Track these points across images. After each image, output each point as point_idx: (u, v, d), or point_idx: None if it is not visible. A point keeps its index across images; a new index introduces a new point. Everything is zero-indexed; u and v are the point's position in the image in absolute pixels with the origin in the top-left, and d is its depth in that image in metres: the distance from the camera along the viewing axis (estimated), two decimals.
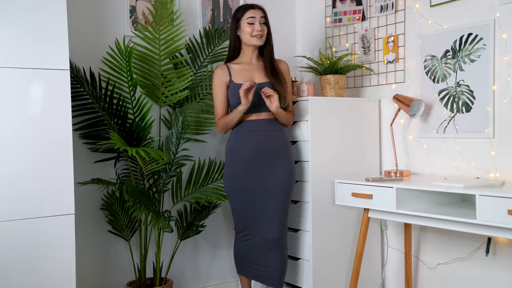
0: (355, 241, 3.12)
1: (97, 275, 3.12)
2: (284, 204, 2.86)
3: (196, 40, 3.34)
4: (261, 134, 2.85)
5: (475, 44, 2.74)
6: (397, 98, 2.99)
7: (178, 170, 3.15)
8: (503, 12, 2.62)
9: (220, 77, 2.89)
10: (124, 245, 3.19)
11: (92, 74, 3.02)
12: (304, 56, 3.40)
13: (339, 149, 3.09)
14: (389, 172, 2.95)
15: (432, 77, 2.97)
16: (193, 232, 3.20)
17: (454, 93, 2.86)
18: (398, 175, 2.91)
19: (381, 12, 3.22)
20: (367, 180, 2.70)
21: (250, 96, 2.74)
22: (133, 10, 3.19)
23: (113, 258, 3.18)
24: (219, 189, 3.10)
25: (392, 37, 3.17)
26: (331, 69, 3.15)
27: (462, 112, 2.82)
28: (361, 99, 3.28)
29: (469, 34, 2.76)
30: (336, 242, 3.08)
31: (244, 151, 2.85)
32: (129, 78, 2.95)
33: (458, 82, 2.83)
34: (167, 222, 2.77)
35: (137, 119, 2.98)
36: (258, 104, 2.81)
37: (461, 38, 2.81)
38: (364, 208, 2.79)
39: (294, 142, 3.07)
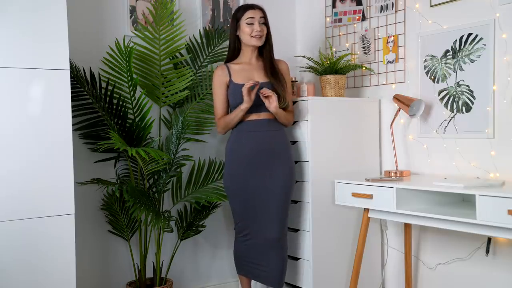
0: (355, 241, 3.12)
1: (97, 275, 3.13)
2: (284, 204, 2.86)
3: (196, 40, 3.34)
4: (261, 134, 2.85)
5: (475, 44, 2.74)
6: (397, 98, 2.99)
7: (178, 170, 3.15)
8: (503, 12, 2.62)
9: (220, 77, 2.89)
10: (124, 245, 3.19)
11: (92, 74, 3.02)
12: (304, 56, 3.40)
13: (339, 149, 3.09)
14: (389, 172, 2.95)
15: (432, 77, 2.97)
16: (193, 232, 3.20)
17: (454, 93, 2.86)
18: (398, 175, 2.91)
19: (381, 12, 3.22)
20: (367, 180, 2.70)
21: (253, 95, 2.74)
22: (133, 10, 3.19)
23: (113, 258, 3.18)
24: (219, 189, 3.10)
25: (392, 37, 3.17)
26: (331, 69, 3.15)
27: (462, 112, 2.82)
28: (361, 99, 3.28)
29: (469, 34, 2.76)
30: (336, 242, 3.08)
31: (244, 151, 2.85)
32: (129, 78, 2.95)
33: (458, 82, 2.83)
34: (167, 222, 2.77)
35: (137, 119, 2.98)
36: (258, 104, 2.81)
37: (461, 38, 2.81)
38: (364, 208, 2.79)
39: (294, 142, 3.07)
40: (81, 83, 2.88)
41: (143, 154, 2.65)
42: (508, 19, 2.60)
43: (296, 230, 3.10)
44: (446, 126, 2.90)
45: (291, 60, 3.48)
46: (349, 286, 2.88)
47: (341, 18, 3.46)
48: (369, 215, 2.78)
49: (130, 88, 2.98)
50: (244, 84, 2.77)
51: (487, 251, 2.66)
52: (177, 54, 3.23)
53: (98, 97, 2.93)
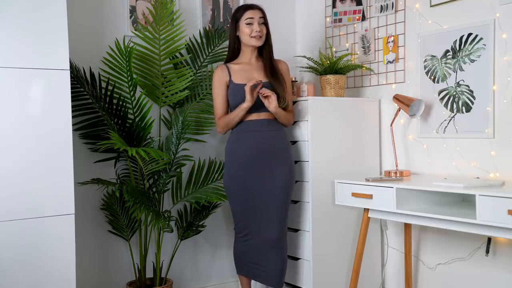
0: (355, 241, 3.12)
1: (97, 275, 3.12)
2: (284, 204, 2.86)
3: (196, 40, 3.34)
4: (260, 134, 2.85)
5: (475, 44, 2.74)
6: (397, 98, 2.99)
7: (178, 170, 3.15)
8: (503, 12, 2.62)
9: (220, 77, 2.89)
10: (124, 245, 3.19)
11: (92, 74, 3.02)
12: (304, 56, 3.40)
13: (339, 149, 3.09)
14: (389, 172, 2.95)
15: (432, 77, 2.97)
16: (193, 232, 3.20)
17: (454, 93, 2.86)
18: (398, 175, 2.91)
19: (381, 12, 3.22)
20: (367, 180, 2.70)
21: (255, 94, 2.75)
22: (133, 10, 3.19)
23: (113, 258, 3.18)
24: (219, 189, 3.10)
25: (392, 37, 3.16)
26: (331, 69, 3.15)
27: (462, 112, 2.82)
28: (361, 99, 3.28)
29: (469, 34, 2.76)
30: (336, 242, 3.08)
31: (244, 152, 2.85)
32: (129, 78, 2.95)
33: (458, 82, 2.83)
34: (167, 222, 2.77)
35: (137, 119, 2.98)
36: (258, 104, 2.81)
37: (461, 38, 2.81)
38: (364, 208, 2.79)
39: (294, 142, 3.07)
40: (81, 83, 2.88)
41: (143, 154, 2.65)
42: (508, 19, 2.60)
43: (296, 230, 3.10)
44: (446, 126, 2.90)
45: (291, 60, 3.48)
46: (349, 286, 2.88)
47: (341, 18, 3.46)
48: (369, 215, 2.78)
49: (130, 88, 2.98)
50: (244, 84, 2.78)
51: (487, 251, 2.66)
52: (177, 54, 3.23)
53: (98, 97, 2.93)
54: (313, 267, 3.00)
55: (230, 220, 3.36)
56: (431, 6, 2.95)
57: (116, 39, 3.00)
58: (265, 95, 2.75)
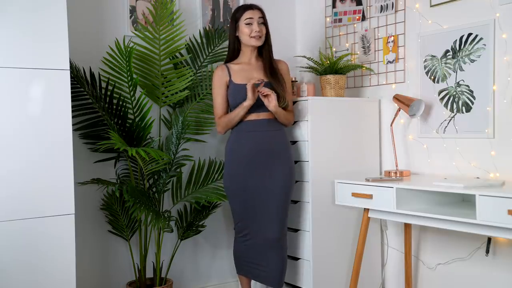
0: (355, 241, 3.12)
1: (97, 275, 3.12)
2: (284, 204, 2.86)
3: (196, 40, 3.34)
4: (260, 134, 2.85)
5: (475, 44, 2.74)
6: (397, 98, 2.99)
7: (178, 170, 3.15)
8: (503, 12, 2.62)
9: (220, 77, 2.89)
10: (124, 245, 3.19)
11: (92, 74, 3.02)
12: (304, 56, 3.40)
13: (339, 149, 3.09)
14: (389, 172, 2.95)
15: (432, 77, 2.97)
16: (193, 232, 3.20)
17: (454, 93, 2.86)
18: (398, 175, 2.91)
19: (381, 12, 3.22)
20: (367, 180, 2.70)
21: (256, 93, 2.75)
22: (133, 10, 3.19)
23: (113, 258, 3.18)
24: (219, 189, 3.10)
25: (392, 37, 3.16)
26: (331, 69, 3.15)
27: (462, 112, 2.82)
28: (361, 99, 3.28)
29: (469, 34, 2.76)
30: (336, 242, 3.08)
31: (244, 152, 2.85)
32: (129, 78, 2.95)
33: (458, 82, 2.83)
34: (167, 222, 2.77)
35: (137, 119, 2.98)
36: (258, 104, 2.81)
37: (461, 38, 2.81)
38: (364, 208, 2.79)
39: (294, 142, 3.07)
40: (81, 83, 2.88)
41: (143, 154, 2.65)
42: (508, 19, 2.60)
43: (296, 230, 3.10)
44: (446, 126, 2.90)
45: (291, 60, 3.48)
46: (349, 286, 2.88)
47: (341, 18, 3.46)
48: (369, 215, 2.78)
49: (130, 88, 2.98)
50: (244, 84, 2.78)
51: (487, 251, 2.66)
52: (177, 54, 3.23)
53: (98, 97, 2.93)
54: (313, 267, 3.00)
55: (230, 220, 3.36)
56: (431, 6, 2.95)
57: (116, 39, 3.00)
58: (264, 93, 2.75)
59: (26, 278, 2.39)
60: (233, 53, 2.95)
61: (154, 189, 3.08)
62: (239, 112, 2.80)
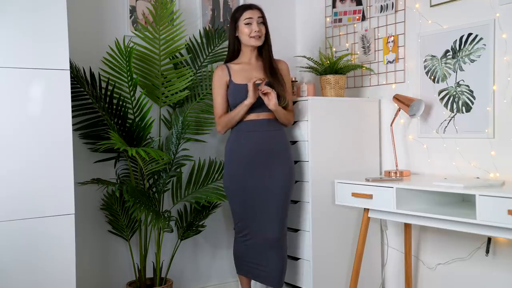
0: (355, 241, 3.12)
1: (97, 275, 3.12)
2: (283, 204, 2.86)
3: (196, 40, 3.34)
4: (260, 134, 2.85)
5: (475, 44, 2.74)
6: (397, 98, 2.99)
7: (178, 170, 3.15)
8: (503, 12, 2.62)
9: (220, 77, 2.89)
10: (124, 245, 3.19)
11: (92, 74, 3.02)
12: (304, 56, 3.40)
13: (339, 149, 3.09)
14: (389, 172, 2.95)
15: (432, 77, 2.97)
16: (193, 232, 3.20)
17: (454, 93, 2.86)
18: (398, 175, 2.91)
19: (381, 12, 3.22)
20: (367, 180, 2.70)
21: (257, 92, 2.75)
22: (133, 10, 3.19)
23: (113, 258, 3.18)
24: (219, 189, 3.10)
25: (392, 37, 3.16)
26: (331, 69, 3.15)
27: (462, 112, 2.82)
28: (361, 99, 3.28)
29: (469, 34, 2.76)
30: (336, 242, 3.08)
31: (243, 152, 2.85)
32: (129, 78, 2.95)
33: (458, 82, 2.83)
34: (167, 222, 2.77)
35: (137, 119, 2.98)
36: (258, 104, 2.81)
37: (461, 38, 2.81)
38: (364, 208, 2.79)
39: (294, 142, 3.07)
40: (81, 83, 2.88)
41: (143, 154, 2.65)
42: (508, 19, 2.60)
43: (296, 230, 3.10)
44: (446, 126, 2.90)
45: (291, 60, 3.48)
46: (349, 286, 2.88)
47: (341, 18, 3.46)
48: (369, 215, 2.78)
49: (130, 88, 2.98)
50: (244, 84, 2.79)
51: (487, 251, 2.66)
52: (177, 54, 3.23)
53: (98, 97, 2.93)
54: (313, 267, 3.00)
55: (230, 220, 3.36)
56: (431, 6, 2.95)
57: (116, 39, 3.00)
58: (264, 91, 2.75)
59: (26, 278, 2.39)
60: (233, 53, 2.95)
61: (154, 189, 3.08)
62: (239, 110, 2.80)
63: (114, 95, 2.99)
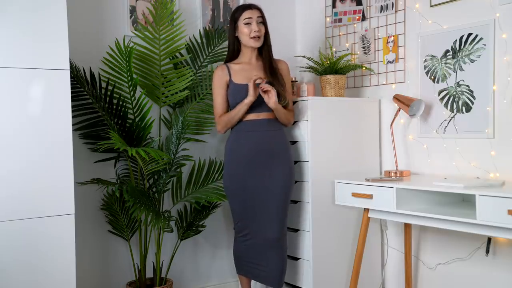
0: (355, 241, 3.12)
1: (97, 275, 3.12)
2: (283, 204, 2.86)
3: (196, 40, 3.34)
4: (260, 134, 2.85)
5: (475, 44, 2.74)
6: (397, 98, 2.99)
7: (178, 170, 3.15)
8: (503, 12, 2.62)
9: (220, 77, 2.89)
10: (124, 245, 3.19)
11: (92, 74, 3.02)
12: (304, 56, 3.40)
13: (339, 149, 3.09)
14: (389, 172, 2.95)
15: (432, 77, 2.97)
16: (193, 232, 3.20)
17: (454, 93, 2.86)
18: (398, 175, 2.91)
19: (381, 12, 3.22)
20: (367, 180, 2.70)
21: (258, 90, 2.75)
22: (133, 10, 3.19)
23: (113, 258, 3.18)
24: (219, 189, 3.10)
25: (392, 37, 3.16)
26: (331, 69, 3.15)
27: (462, 112, 2.82)
28: (361, 99, 3.28)
29: (469, 34, 2.76)
30: (336, 242, 3.08)
31: (243, 151, 2.85)
32: (129, 78, 2.95)
33: (458, 82, 2.83)
34: (167, 222, 2.77)
35: (137, 119, 2.98)
36: (258, 104, 2.81)
37: (461, 38, 2.81)
38: (364, 208, 2.79)
39: (294, 142, 3.07)
40: (81, 83, 2.88)
41: (143, 154, 2.65)
42: (508, 19, 2.60)
43: (296, 230, 3.10)
44: (446, 126, 2.90)
45: (291, 60, 3.48)
46: (349, 286, 2.88)
47: (341, 18, 3.46)
48: (369, 215, 2.78)
49: (130, 88, 2.98)
50: (244, 84, 2.79)
51: (487, 251, 2.66)
52: (177, 54, 3.23)
53: (98, 97, 2.93)
54: (313, 267, 3.00)
55: (230, 220, 3.36)
56: (431, 6, 2.95)
57: (116, 39, 3.00)
58: (264, 89, 2.75)
59: (26, 278, 2.39)
60: (233, 53, 2.95)
61: (154, 189, 3.08)
62: (240, 109, 2.80)
63: (114, 95, 2.99)
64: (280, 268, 2.86)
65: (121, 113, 2.98)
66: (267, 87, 2.75)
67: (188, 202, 3.13)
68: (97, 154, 3.07)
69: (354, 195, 2.74)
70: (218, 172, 3.26)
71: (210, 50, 3.33)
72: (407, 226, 3.02)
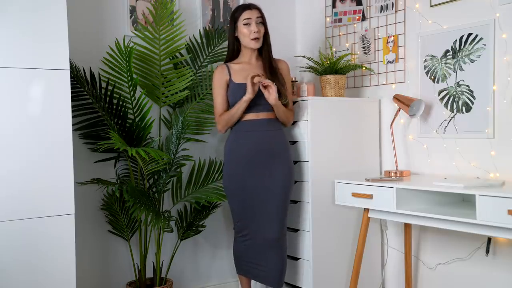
0: (355, 241, 3.12)
1: (97, 275, 3.12)
2: (283, 204, 2.86)
3: (196, 40, 3.34)
4: (260, 134, 2.85)
5: (475, 44, 2.74)
6: (397, 98, 2.99)
7: (178, 170, 3.15)
8: (503, 12, 2.62)
9: (220, 77, 2.89)
10: (124, 245, 3.19)
11: (92, 74, 3.02)
12: (304, 56, 3.40)
13: (339, 149, 3.09)
14: (389, 172, 2.95)
15: (432, 77, 2.97)
16: (193, 232, 3.20)
17: (454, 93, 2.86)
18: (398, 175, 2.91)
19: (381, 12, 3.22)
20: (367, 180, 2.70)
21: (256, 87, 2.75)
22: (133, 10, 3.19)
23: (113, 258, 3.18)
24: (219, 189, 3.10)
25: (392, 37, 3.16)
26: (331, 69, 3.15)
27: (462, 112, 2.82)
28: (361, 99, 3.28)
29: (469, 34, 2.76)
30: (336, 242, 3.08)
31: (242, 151, 2.85)
32: (129, 78, 2.95)
33: (458, 82, 2.83)
34: (167, 222, 2.77)
35: (137, 119, 2.98)
36: (257, 104, 2.82)
37: (461, 38, 2.81)
38: (364, 208, 2.79)
39: (294, 142, 3.07)
40: (81, 83, 2.88)
41: (143, 154, 2.65)
42: (508, 19, 2.60)
43: (296, 230, 3.10)
44: (446, 126, 2.90)
45: (291, 60, 3.48)
46: (349, 286, 2.88)
47: (341, 18, 3.46)
48: (369, 215, 2.78)
49: (130, 88, 2.98)
50: (244, 84, 2.79)
51: (487, 251, 2.66)
52: (177, 54, 3.23)
53: (98, 97, 2.93)
54: (313, 267, 3.00)
55: (230, 220, 3.36)
56: (431, 6, 2.95)
57: (116, 39, 3.00)
58: (265, 84, 2.75)
59: (26, 278, 2.39)
60: (233, 52, 2.95)
61: (154, 189, 3.08)
62: (239, 107, 2.80)
63: (114, 95, 2.99)
64: (279, 268, 2.86)
65: (121, 113, 2.98)
66: (267, 82, 2.74)
67: (188, 202, 3.13)
68: (97, 154, 3.07)
69: (354, 195, 2.74)
70: (218, 172, 3.26)
71: (210, 50, 3.33)
72: (407, 226, 3.02)
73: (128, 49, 2.85)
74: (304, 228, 3.04)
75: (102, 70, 3.04)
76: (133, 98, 2.99)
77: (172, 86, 3.10)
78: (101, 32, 3.11)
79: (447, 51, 2.88)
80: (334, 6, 3.52)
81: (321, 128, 3.02)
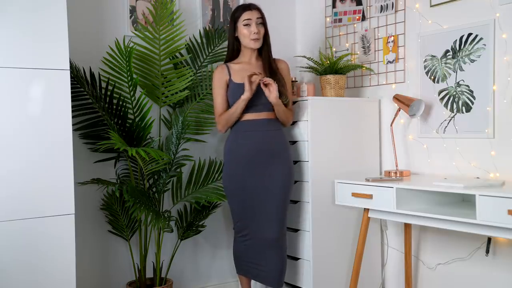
0: (355, 241, 3.12)
1: (97, 275, 3.13)
2: (283, 204, 2.86)
3: (196, 40, 3.34)
4: (260, 134, 2.85)
5: (475, 44, 2.74)
6: (397, 98, 2.99)
7: (178, 170, 3.15)
8: (503, 12, 2.62)
9: (220, 77, 2.89)
10: (124, 245, 3.19)
11: (92, 74, 3.02)
12: (304, 56, 3.40)
13: (339, 149, 3.09)
14: (389, 172, 2.95)
15: (432, 77, 2.97)
16: (193, 232, 3.20)
17: (454, 93, 2.86)
18: (398, 175, 2.91)
19: (381, 12, 3.22)
20: (367, 180, 2.70)
21: (254, 85, 2.75)
22: (133, 10, 3.19)
23: (113, 258, 3.18)
24: (219, 189, 3.10)
25: (392, 37, 3.16)
26: (331, 69, 3.15)
27: (462, 112, 2.82)
28: (361, 99, 3.28)
29: (469, 34, 2.76)
30: (336, 242, 3.08)
31: (242, 152, 2.85)
32: (129, 78, 2.95)
33: (458, 82, 2.83)
34: (167, 222, 2.77)
35: (137, 119, 2.98)
36: (257, 104, 2.82)
37: (461, 38, 2.81)
38: (364, 208, 2.79)
39: (294, 142, 3.07)
40: (81, 83, 2.88)
41: (143, 154, 2.65)
42: (508, 19, 2.60)
43: (296, 230, 3.10)
44: (446, 126, 2.90)
45: (291, 60, 3.48)
46: (349, 286, 2.88)
47: (341, 18, 3.46)
48: (369, 215, 2.78)
49: (130, 88, 2.98)
50: (244, 84, 2.78)
51: (487, 251, 2.66)
52: (177, 54, 3.23)
53: (98, 97, 2.93)
54: (313, 267, 3.00)
55: (230, 220, 3.36)
56: (431, 6, 2.95)
57: (116, 39, 3.00)
58: (266, 82, 2.75)
59: (26, 278, 2.39)
60: (233, 53, 2.95)
61: (154, 189, 3.08)
62: (238, 106, 2.80)
63: (114, 95, 2.99)
64: (279, 268, 2.86)
65: (121, 113, 2.98)
66: (268, 80, 2.75)
67: (188, 202, 3.13)
68: (97, 154, 3.07)
69: (354, 195, 2.74)
70: (218, 172, 3.26)
71: (210, 50, 3.33)
72: (407, 226, 3.02)
73: (128, 49, 2.85)
74: (304, 228, 3.04)
75: (102, 70, 3.04)
76: (133, 98, 2.99)
77: (172, 86, 3.10)
78: (101, 32, 3.11)
79: (447, 51, 2.88)
80: (334, 6, 3.52)
81: (321, 128, 3.02)
